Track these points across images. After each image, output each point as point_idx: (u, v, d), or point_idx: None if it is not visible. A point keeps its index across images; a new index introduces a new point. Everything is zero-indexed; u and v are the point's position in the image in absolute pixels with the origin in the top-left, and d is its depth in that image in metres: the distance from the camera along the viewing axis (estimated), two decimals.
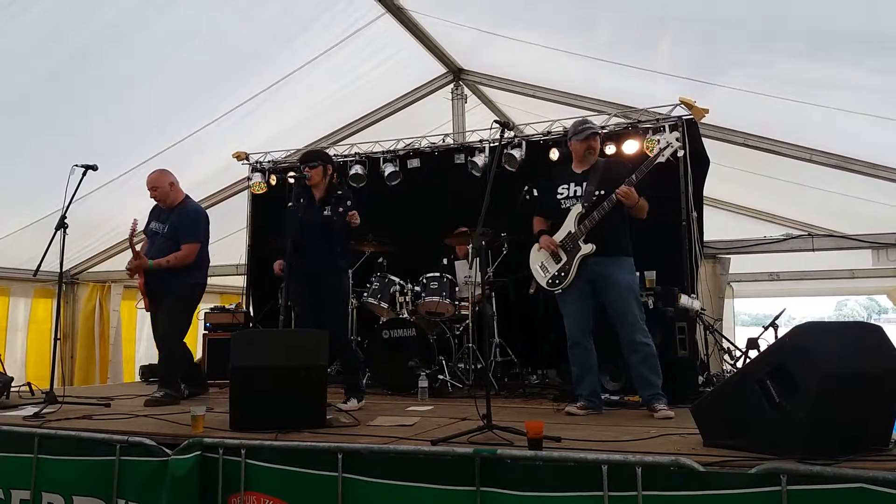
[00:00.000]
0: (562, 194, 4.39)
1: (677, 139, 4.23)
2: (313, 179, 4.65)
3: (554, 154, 6.31)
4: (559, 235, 4.33)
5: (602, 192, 4.21)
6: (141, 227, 5.19)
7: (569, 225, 4.29)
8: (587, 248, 4.19)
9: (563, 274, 4.27)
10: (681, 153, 4.73)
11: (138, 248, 5.05)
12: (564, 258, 4.28)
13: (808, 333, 2.83)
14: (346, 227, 4.50)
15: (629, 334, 4.11)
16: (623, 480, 2.67)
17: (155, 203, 5.30)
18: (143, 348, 8.86)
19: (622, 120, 6.46)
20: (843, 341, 2.79)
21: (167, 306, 5.05)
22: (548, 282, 4.36)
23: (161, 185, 5.15)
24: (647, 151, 5.69)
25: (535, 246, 4.46)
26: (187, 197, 5.35)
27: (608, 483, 2.65)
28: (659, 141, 4.34)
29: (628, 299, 4.13)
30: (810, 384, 2.62)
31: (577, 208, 4.27)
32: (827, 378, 2.61)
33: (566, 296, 4.29)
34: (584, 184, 4.30)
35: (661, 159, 4.12)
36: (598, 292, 4.22)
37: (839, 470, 2.48)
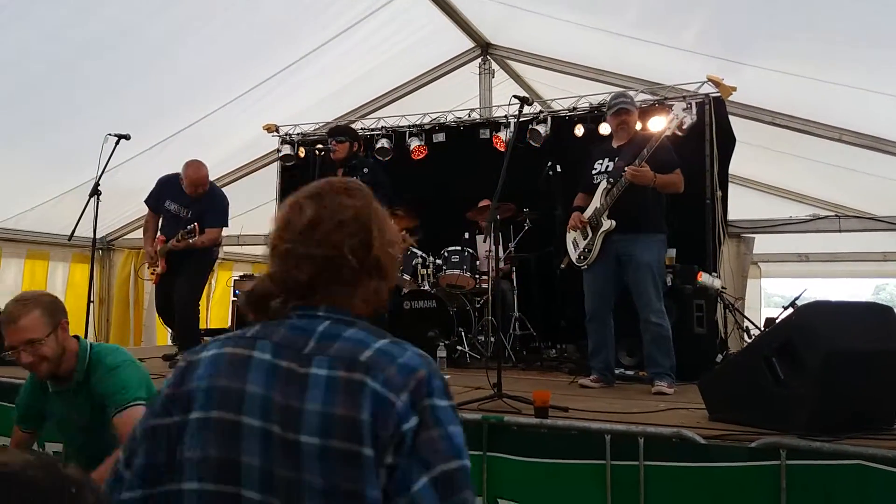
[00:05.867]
0: (596, 169, 4.43)
1: (683, 109, 4.21)
2: (339, 153, 4.72)
3: (579, 130, 6.31)
4: (588, 211, 4.37)
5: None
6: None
7: (596, 201, 4.33)
8: (607, 225, 4.22)
9: (587, 250, 4.32)
10: (687, 123, 4.67)
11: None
12: (591, 234, 4.32)
13: (815, 312, 2.87)
14: None
15: (643, 313, 4.16)
16: (626, 451, 2.76)
17: (167, 179, 5.34)
18: None
19: (649, 96, 6.39)
20: (849, 320, 2.81)
21: (187, 273, 5.13)
22: (577, 257, 4.42)
23: (204, 182, 5.17)
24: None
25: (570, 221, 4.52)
26: (212, 182, 5.41)
27: (611, 452, 2.75)
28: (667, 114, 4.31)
29: (645, 279, 4.14)
30: (815, 362, 2.66)
31: (604, 184, 4.30)
32: (831, 356, 2.64)
33: (590, 271, 4.35)
34: (616, 159, 4.30)
35: (668, 132, 4.11)
36: (622, 270, 4.25)
37: (839, 446, 2.53)
